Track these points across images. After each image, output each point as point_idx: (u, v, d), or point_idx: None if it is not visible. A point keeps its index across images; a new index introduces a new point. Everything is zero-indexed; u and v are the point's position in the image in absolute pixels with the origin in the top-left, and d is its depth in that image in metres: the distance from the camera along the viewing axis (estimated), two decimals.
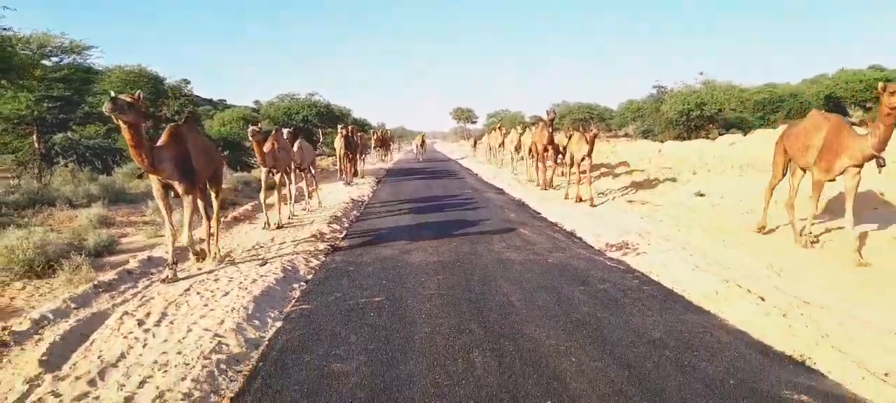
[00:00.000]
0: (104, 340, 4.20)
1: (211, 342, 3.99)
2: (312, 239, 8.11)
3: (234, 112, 30.01)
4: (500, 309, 4.76)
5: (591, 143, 10.48)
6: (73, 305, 5.04)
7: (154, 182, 5.89)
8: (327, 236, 8.50)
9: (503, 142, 22.55)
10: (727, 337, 4.05)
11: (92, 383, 3.49)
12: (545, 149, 13.68)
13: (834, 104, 30.03)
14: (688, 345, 3.89)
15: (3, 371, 3.81)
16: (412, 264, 6.48)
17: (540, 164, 14.49)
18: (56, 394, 3.36)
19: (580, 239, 7.85)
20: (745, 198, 8.93)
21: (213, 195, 7.04)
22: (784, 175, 7.02)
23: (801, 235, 6.56)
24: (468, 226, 8.95)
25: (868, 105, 29.87)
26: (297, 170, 10.86)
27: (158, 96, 22.74)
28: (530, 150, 15.55)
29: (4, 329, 4.49)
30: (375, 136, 32.33)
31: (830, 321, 4.14)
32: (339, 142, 16.80)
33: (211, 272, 6.27)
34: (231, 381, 3.51)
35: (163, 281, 5.74)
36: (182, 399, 3.17)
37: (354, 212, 11.27)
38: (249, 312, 4.75)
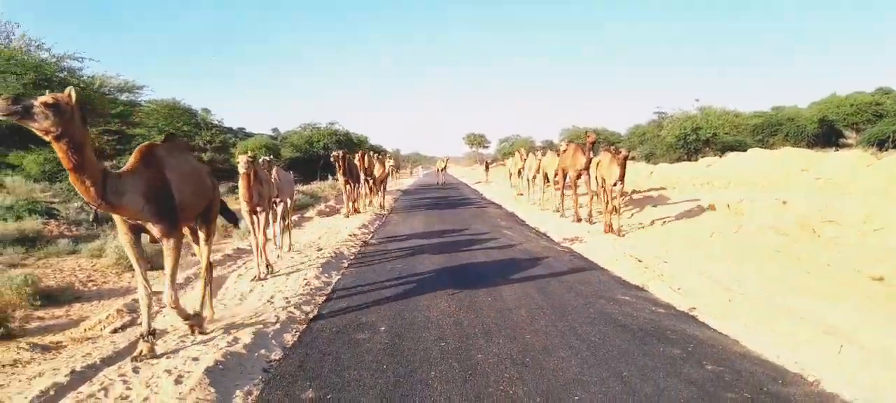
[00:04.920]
0: (233, 285, 7.44)
1: (303, 285, 7.18)
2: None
3: (256, 140, 33.67)
4: (476, 272, 7.90)
5: (623, 166, 9.89)
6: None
7: (119, 221, 4.58)
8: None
9: (523, 167, 20.87)
10: (605, 278, 7.18)
11: (240, 298, 6.72)
12: (579, 176, 12.40)
13: (828, 127, 32.88)
14: (580, 281, 7.02)
15: (186, 298, 7.06)
16: (422, 253, 9.64)
17: (568, 192, 13.27)
18: (222, 303, 6.58)
19: (547, 236, 11.01)
20: (680, 205, 11.95)
21: (202, 238, 5.76)
22: None
23: None
24: (466, 229, 12.13)
25: (859, 127, 32.60)
26: (273, 205, 9.31)
27: (194, 128, 26.52)
28: (556, 176, 14.26)
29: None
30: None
31: (670, 270, 7.22)
32: (338, 171, 14.87)
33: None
34: (319, 298, 6.69)
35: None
36: (298, 298, 6.38)
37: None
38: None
